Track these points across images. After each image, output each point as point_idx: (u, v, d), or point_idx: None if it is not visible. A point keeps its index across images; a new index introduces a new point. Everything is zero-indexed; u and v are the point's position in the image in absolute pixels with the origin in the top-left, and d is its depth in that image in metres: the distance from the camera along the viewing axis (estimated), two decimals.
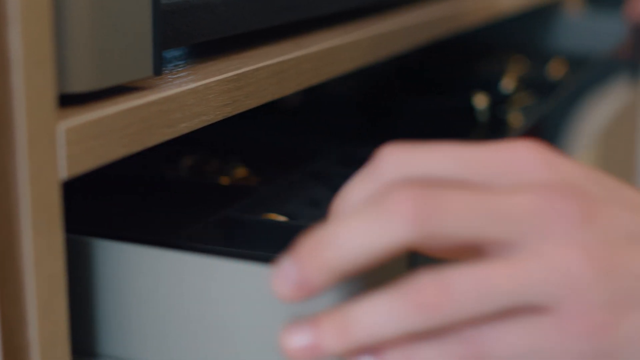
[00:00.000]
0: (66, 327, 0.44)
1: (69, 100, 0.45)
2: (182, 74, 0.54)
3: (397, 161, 0.40)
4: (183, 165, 0.77)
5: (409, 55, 1.29)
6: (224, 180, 0.74)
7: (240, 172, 0.76)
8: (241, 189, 0.69)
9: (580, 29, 1.48)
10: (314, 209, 0.69)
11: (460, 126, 0.91)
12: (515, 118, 0.93)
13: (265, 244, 0.61)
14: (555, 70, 1.23)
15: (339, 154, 0.79)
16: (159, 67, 0.49)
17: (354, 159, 0.79)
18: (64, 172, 0.42)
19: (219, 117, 0.53)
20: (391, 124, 0.90)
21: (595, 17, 1.49)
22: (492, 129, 0.92)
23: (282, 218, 0.65)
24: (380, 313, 0.38)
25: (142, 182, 0.71)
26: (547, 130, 1.02)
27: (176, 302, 0.48)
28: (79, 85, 0.44)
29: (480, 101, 0.90)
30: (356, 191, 0.41)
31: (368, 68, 0.79)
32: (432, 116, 0.90)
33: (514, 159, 0.40)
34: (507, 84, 0.94)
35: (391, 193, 0.38)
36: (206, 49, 0.62)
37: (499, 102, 0.91)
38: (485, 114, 0.90)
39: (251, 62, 0.58)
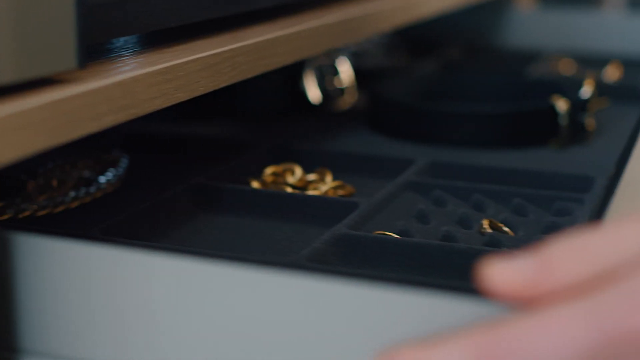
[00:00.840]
0: None
1: None
2: (111, 67, 0.53)
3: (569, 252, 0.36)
4: (265, 175, 0.75)
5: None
6: (322, 192, 0.71)
7: (331, 181, 0.73)
8: (342, 203, 0.67)
9: (532, 24, 1.44)
10: (422, 223, 0.66)
11: (543, 129, 0.85)
12: (591, 122, 0.89)
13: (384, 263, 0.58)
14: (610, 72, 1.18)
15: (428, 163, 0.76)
16: (83, 60, 0.47)
17: (445, 168, 0.76)
18: None
19: (148, 110, 0.52)
20: (476, 128, 0.86)
21: (547, 12, 1.44)
22: (574, 132, 0.87)
23: (393, 235, 0.61)
24: None
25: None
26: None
27: (95, 296, 0.46)
28: (1, 77, 0.43)
29: (561, 105, 0.85)
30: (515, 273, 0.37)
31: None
32: (513, 119, 0.85)
33: None
34: (586, 89, 0.89)
35: None
36: (141, 42, 0.62)
37: (579, 106, 0.86)
38: (565, 118, 0.85)
39: (183, 54, 0.57)
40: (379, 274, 0.53)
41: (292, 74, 0.97)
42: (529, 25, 1.44)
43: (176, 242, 0.63)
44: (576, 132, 0.87)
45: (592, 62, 1.27)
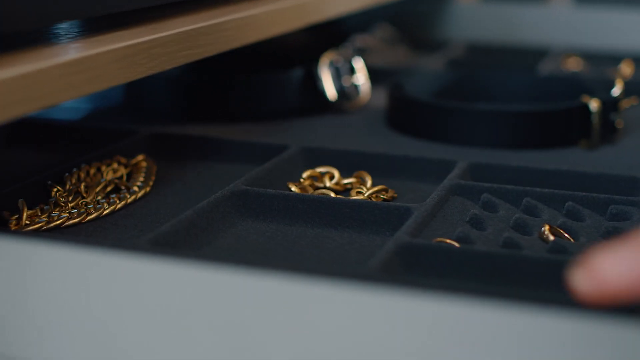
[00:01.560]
0: None
1: None
2: (19, 58, 0.53)
3: None
4: (303, 179, 0.71)
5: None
6: (365, 196, 0.68)
7: (371, 185, 0.70)
8: (394, 209, 0.63)
9: (473, 17, 1.43)
10: (478, 229, 0.63)
11: (574, 129, 0.83)
12: (620, 121, 0.87)
13: (452, 272, 0.56)
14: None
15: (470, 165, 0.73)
16: None
17: (486, 170, 0.73)
18: None
19: (56, 102, 0.52)
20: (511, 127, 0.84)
21: (488, 5, 1.43)
22: (605, 132, 0.85)
23: (453, 243, 0.59)
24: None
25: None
26: None
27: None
28: None
29: (594, 104, 0.82)
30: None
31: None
32: (546, 118, 0.83)
33: None
34: (617, 87, 0.87)
35: None
36: (56, 33, 0.62)
37: (610, 105, 0.83)
38: (597, 117, 0.82)
39: (96, 45, 0.57)
40: (481, 287, 0.50)
41: (307, 72, 0.94)
42: (471, 18, 1.43)
43: (222, 250, 0.60)
44: (607, 132, 0.85)
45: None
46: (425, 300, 0.44)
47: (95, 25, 0.65)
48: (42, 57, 0.53)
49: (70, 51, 0.56)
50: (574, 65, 1.20)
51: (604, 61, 1.24)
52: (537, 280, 0.54)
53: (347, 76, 0.98)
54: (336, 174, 0.72)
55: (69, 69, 0.53)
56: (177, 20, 0.70)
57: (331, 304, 0.45)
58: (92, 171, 0.72)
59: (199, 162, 0.79)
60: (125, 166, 0.75)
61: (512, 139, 0.83)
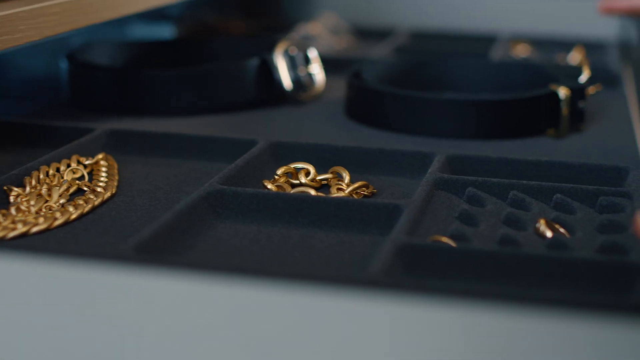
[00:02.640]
0: None
1: None
2: None
3: None
4: (279, 176, 0.67)
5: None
6: (347, 193, 0.65)
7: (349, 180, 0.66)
8: (382, 207, 0.60)
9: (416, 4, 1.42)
10: (471, 225, 0.60)
11: (543, 118, 0.82)
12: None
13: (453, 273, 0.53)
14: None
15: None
16: None
17: (463, 162, 0.70)
18: None
19: None
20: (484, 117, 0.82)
21: None
22: (573, 120, 0.83)
23: (449, 241, 0.56)
24: None
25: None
26: None
27: None
28: None
29: (563, 92, 0.81)
30: None
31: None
32: (515, 107, 0.81)
33: None
34: (584, 75, 0.86)
35: None
36: None
37: (578, 93, 0.82)
38: (566, 104, 0.81)
39: None
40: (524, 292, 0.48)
41: (261, 63, 0.91)
42: (414, 5, 1.42)
43: (207, 255, 0.56)
44: (575, 120, 0.83)
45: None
46: (442, 305, 0.41)
47: None
48: None
49: None
50: (522, 51, 1.19)
51: (551, 47, 1.23)
52: (540, 278, 0.52)
53: (302, 66, 0.94)
54: (312, 170, 0.69)
55: None
56: None
57: (340, 312, 0.42)
58: (51, 172, 0.68)
59: (161, 159, 0.75)
60: (85, 166, 0.70)
61: (480, 128, 0.81)
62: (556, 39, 1.28)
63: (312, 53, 0.96)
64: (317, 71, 0.96)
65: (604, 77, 1.01)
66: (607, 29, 1.32)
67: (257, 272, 0.44)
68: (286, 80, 0.91)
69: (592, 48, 1.23)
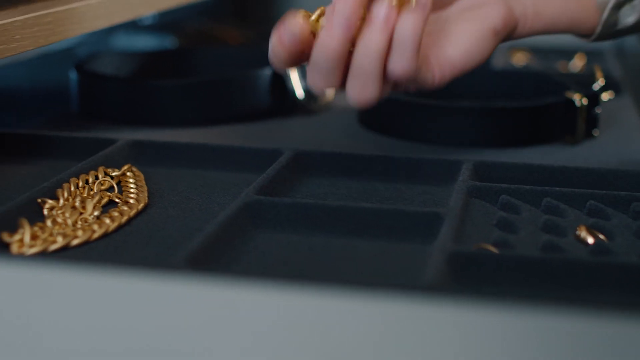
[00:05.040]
0: None
1: None
2: None
3: None
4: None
5: None
6: None
7: None
8: (421, 215, 0.60)
9: None
10: (511, 232, 0.60)
11: (559, 125, 0.83)
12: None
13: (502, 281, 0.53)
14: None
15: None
16: None
17: (490, 169, 0.70)
18: None
19: None
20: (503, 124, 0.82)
21: None
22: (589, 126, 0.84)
23: (492, 248, 0.56)
24: None
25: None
26: None
27: None
28: None
29: (579, 99, 0.82)
30: None
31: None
32: (532, 114, 0.82)
33: None
34: (598, 82, 0.87)
35: None
36: None
37: (593, 100, 0.83)
38: (583, 111, 0.82)
39: None
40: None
41: (274, 72, 0.91)
42: None
43: (252, 266, 0.56)
44: (590, 127, 0.84)
45: None
46: (502, 311, 0.41)
47: None
48: None
49: None
50: (521, 59, 1.20)
51: (549, 55, 1.24)
52: (586, 283, 0.53)
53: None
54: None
55: None
56: None
57: (398, 320, 0.42)
58: (81, 184, 0.67)
59: (186, 169, 0.74)
60: (112, 177, 0.70)
61: (498, 136, 0.82)
62: (554, 47, 1.29)
63: None
64: None
65: (607, 84, 1.02)
66: None
67: (315, 281, 0.44)
68: (298, 90, 0.91)
69: (591, 56, 1.24)
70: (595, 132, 0.85)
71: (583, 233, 0.59)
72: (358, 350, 0.43)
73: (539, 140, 0.83)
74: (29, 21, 0.66)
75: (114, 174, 0.70)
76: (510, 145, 0.81)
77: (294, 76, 0.91)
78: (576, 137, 0.83)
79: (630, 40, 1.28)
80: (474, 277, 0.53)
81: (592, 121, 0.84)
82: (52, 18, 0.69)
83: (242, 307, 0.44)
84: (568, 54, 1.22)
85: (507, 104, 0.84)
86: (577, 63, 1.13)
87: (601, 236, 0.60)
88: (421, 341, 0.42)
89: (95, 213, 0.63)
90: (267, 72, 0.90)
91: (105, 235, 0.60)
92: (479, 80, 0.96)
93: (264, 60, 0.90)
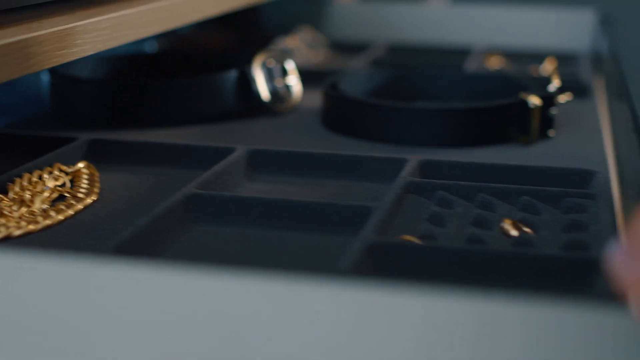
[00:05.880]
0: None
1: None
2: None
3: None
4: None
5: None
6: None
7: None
8: (353, 209, 0.63)
9: (352, 16, 1.46)
10: (439, 226, 0.62)
11: (513, 126, 0.85)
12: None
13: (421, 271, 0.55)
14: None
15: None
16: None
17: (435, 168, 0.73)
18: None
19: None
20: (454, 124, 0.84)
21: (368, 5, 1.46)
22: (543, 127, 0.86)
23: (417, 240, 0.58)
24: None
25: None
26: None
27: None
28: None
29: (534, 100, 0.83)
30: None
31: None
32: (487, 115, 0.83)
33: None
34: (554, 84, 0.89)
35: None
36: None
37: (548, 101, 0.85)
38: (536, 112, 0.83)
39: None
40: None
41: (240, 75, 0.93)
42: (351, 18, 1.45)
43: (181, 255, 0.58)
44: (544, 127, 0.86)
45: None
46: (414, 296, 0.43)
47: None
48: None
49: None
50: (496, 63, 1.22)
51: (524, 59, 1.26)
52: (505, 274, 0.54)
53: (280, 78, 0.97)
54: None
55: None
56: (52, 19, 0.67)
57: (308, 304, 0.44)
58: (34, 179, 0.70)
59: (141, 167, 0.77)
60: (67, 174, 0.72)
61: (451, 136, 0.84)
62: (530, 52, 1.31)
63: (290, 65, 0.98)
64: (294, 83, 0.98)
65: (574, 87, 1.04)
66: (579, 41, 1.35)
67: (229, 266, 0.46)
68: (264, 92, 0.93)
69: (565, 60, 1.25)
70: (551, 133, 0.86)
71: (507, 226, 0.61)
72: (259, 330, 0.45)
73: (494, 141, 0.84)
74: (88, 26, 0.68)
75: (69, 170, 0.72)
76: (465, 145, 0.83)
77: (260, 79, 0.93)
78: (530, 137, 0.85)
79: (605, 45, 1.29)
80: (393, 268, 0.55)
81: (547, 122, 0.86)
82: (109, 24, 0.71)
83: (163, 291, 0.46)
84: (541, 58, 1.24)
85: (461, 104, 0.85)
86: (548, 67, 1.15)
87: (527, 229, 0.61)
88: (330, 324, 0.44)
89: (43, 206, 0.65)
90: (232, 75, 0.92)
91: (49, 227, 0.62)
92: (445, 83, 0.98)
93: (240, 63, 0.94)
